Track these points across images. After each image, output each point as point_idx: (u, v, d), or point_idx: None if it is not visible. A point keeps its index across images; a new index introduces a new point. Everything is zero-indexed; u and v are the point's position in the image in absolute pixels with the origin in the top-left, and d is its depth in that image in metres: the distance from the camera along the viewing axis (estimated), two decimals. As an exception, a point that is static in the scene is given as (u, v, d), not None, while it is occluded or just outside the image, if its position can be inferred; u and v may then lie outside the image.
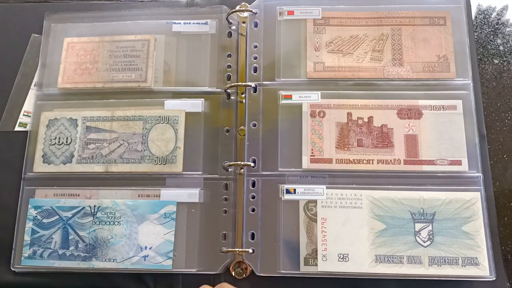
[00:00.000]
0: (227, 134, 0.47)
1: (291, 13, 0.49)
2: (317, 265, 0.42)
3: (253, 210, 0.44)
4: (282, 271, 0.42)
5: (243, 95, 0.47)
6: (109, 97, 0.48)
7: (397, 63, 0.47)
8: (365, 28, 0.48)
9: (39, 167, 0.47)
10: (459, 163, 0.44)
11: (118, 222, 0.44)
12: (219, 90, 0.48)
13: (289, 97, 0.46)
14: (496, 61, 0.51)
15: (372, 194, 0.43)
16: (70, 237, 0.44)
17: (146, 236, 0.44)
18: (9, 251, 0.45)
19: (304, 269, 0.42)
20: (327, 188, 0.44)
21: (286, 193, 0.44)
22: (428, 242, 0.42)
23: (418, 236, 0.42)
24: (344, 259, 0.42)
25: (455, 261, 0.41)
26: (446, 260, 0.41)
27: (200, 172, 0.46)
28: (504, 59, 0.51)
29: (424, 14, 0.48)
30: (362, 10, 0.49)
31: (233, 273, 0.43)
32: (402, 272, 0.41)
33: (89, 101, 0.48)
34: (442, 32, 0.47)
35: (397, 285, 0.42)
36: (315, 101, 0.46)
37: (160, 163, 0.46)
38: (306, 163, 0.44)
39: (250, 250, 0.43)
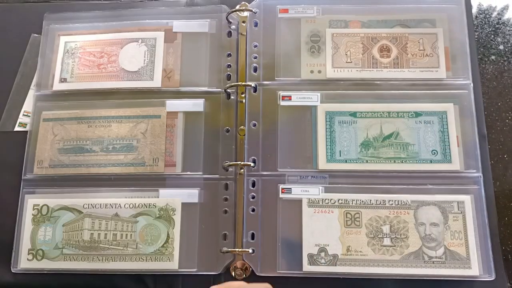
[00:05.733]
0: (227, 134, 0.46)
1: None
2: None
3: (253, 210, 0.44)
4: (282, 271, 0.42)
5: (243, 95, 0.47)
6: (109, 97, 0.48)
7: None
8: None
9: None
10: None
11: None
12: (219, 90, 0.48)
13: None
14: (496, 61, 0.51)
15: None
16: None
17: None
18: (9, 252, 0.45)
19: (307, 268, 0.42)
20: (325, 191, 0.44)
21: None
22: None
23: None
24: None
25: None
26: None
27: (200, 172, 0.46)
28: (505, 58, 0.51)
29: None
30: (361, 10, 0.49)
31: (233, 273, 0.43)
32: (401, 272, 0.41)
33: (89, 102, 0.48)
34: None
35: (397, 285, 0.42)
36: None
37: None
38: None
39: (250, 250, 0.43)
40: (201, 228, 0.44)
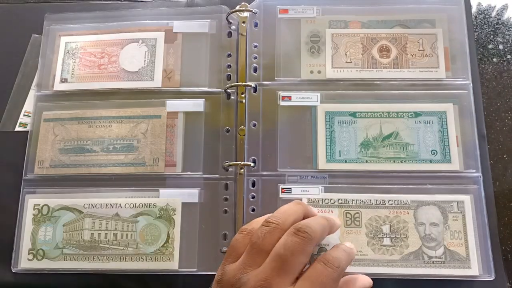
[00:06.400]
0: (227, 134, 0.47)
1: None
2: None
3: (253, 210, 0.44)
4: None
5: (243, 95, 0.47)
6: (109, 97, 0.49)
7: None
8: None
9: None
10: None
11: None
12: (219, 90, 0.48)
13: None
14: (496, 61, 0.51)
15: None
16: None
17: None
18: (9, 251, 0.45)
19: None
20: (325, 191, 0.44)
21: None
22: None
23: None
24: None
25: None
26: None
27: (200, 172, 0.46)
28: (504, 59, 0.51)
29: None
30: (361, 11, 0.49)
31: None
32: (401, 272, 0.41)
33: (90, 102, 0.49)
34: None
35: (397, 285, 0.42)
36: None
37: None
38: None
39: (250, 250, 0.43)
40: (201, 228, 0.44)
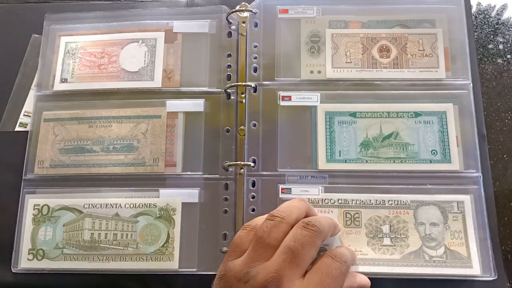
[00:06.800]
0: (227, 134, 0.47)
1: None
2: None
3: (253, 210, 0.44)
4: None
5: (243, 95, 0.47)
6: (109, 97, 0.49)
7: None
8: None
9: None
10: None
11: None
12: (219, 90, 0.48)
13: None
14: (496, 61, 0.51)
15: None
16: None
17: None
18: (10, 251, 0.45)
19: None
20: (325, 191, 0.44)
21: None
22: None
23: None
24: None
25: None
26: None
27: (200, 172, 0.46)
28: (504, 59, 0.51)
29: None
30: (361, 11, 0.49)
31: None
32: (402, 271, 0.41)
33: (90, 102, 0.49)
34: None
35: (397, 285, 0.42)
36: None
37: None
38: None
39: (250, 250, 0.43)
40: (201, 228, 0.44)
